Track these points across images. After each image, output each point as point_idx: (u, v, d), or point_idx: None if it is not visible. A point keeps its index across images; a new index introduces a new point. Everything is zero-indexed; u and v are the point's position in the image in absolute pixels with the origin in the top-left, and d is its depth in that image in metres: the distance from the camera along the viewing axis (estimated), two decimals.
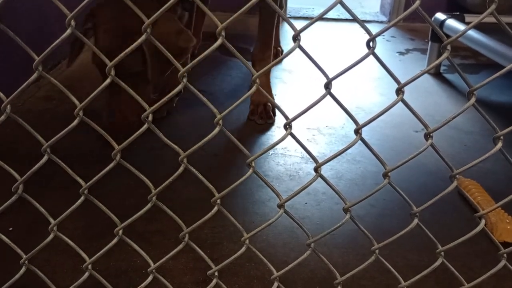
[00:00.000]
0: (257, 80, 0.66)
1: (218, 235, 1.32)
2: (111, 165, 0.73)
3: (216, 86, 2.39)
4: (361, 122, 0.69)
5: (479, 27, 2.25)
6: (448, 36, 0.68)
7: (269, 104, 2.03)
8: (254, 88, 0.66)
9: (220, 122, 0.68)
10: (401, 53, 3.05)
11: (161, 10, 0.63)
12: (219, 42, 0.63)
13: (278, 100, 2.25)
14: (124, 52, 0.66)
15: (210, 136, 0.69)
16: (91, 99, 0.67)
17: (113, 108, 1.64)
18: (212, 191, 0.75)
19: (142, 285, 0.85)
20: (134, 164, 0.74)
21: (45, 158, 0.74)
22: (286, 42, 3.09)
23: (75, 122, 0.70)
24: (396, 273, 0.83)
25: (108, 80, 0.67)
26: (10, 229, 1.31)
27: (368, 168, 1.70)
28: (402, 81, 0.66)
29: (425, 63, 2.79)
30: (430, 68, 0.70)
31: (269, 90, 2.13)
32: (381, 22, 3.83)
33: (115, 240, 0.81)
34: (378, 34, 0.62)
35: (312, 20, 0.62)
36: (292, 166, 1.69)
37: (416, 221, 0.76)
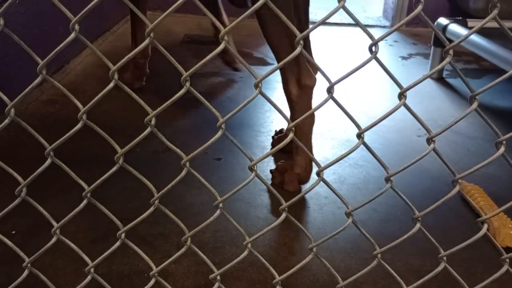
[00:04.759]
0: (260, 84, 0.66)
1: (220, 239, 1.32)
2: (114, 168, 0.73)
3: (219, 90, 2.39)
4: (363, 126, 0.69)
5: (482, 32, 2.25)
6: (450, 41, 0.68)
7: None
8: (256, 92, 0.67)
9: (223, 125, 0.68)
10: (403, 58, 3.05)
11: (167, 12, 0.63)
12: (221, 46, 0.64)
13: (280, 104, 2.25)
14: (127, 56, 0.66)
15: (212, 139, 0.69)
16: (94, 102, 0.68)
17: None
18: (214, 195, 0.75)
19: None
20: (137, 167, 0.74)
21: (48, 161, 0.74)
22: None
23: (78, 125, 0.70)
24: (399, 278, 0.83)
25: (111, 84, 0.67)
26: (13, 232, 1.31)
27: (370, 172, 1.70)
28: (405, 86, 0.66)
29: (428, 68, 2.79)
30: (432, 73, 0.70)
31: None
32: (384, 26, 3.84)
33: (117, 244, 0.81)
34: (381, 39, 0.62)
35: (314, 25, 0.62)
36: None
37: (418, 225, 0.76)
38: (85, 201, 0.77)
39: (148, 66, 2.36)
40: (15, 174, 0.77)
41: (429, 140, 0.69)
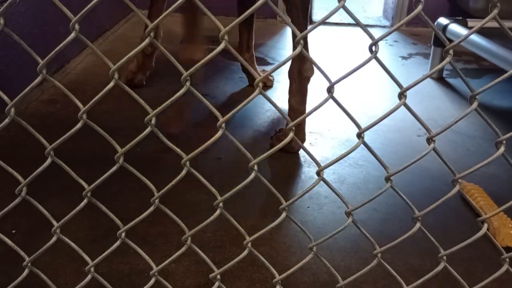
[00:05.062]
0: (260, 84, 0.66)
1: (221, 238, 1.32)
2: (114, 167, 0.73)
3: (219, 89, 2.39)
4: (364, 126, 0.69)
5: (482, 32, 2.25)
6: (450, 41, 0.68)
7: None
8: (256, 92, 0.67)
9: (223, 125, 0.68)
10: (403, 58, 3.05)
11: (165, 13, 0.63)
12: (222, 46, 0.64)
13: (280, 103, 2.25)
14: (126, 56, 0.66)
15: (213, 139, 0.69)
16: (94, 102, 0.68)
17: None
18: (214, 194, 0.75)
19: None
20: (137, 167, 0.74)
21: (48, 160, 0.74)
22: (290, 46, 3.09)
23: (79, 125, 0.70)
24: (399, 277, 0.83)
25: (111, 84, 0.67)
26: (13, 231, 1.31)
27: (370, 172, 1.70)
28: (405, 86, 0.66)
29: (428, 68, 2.79)
30: (432, 73, 0.70)
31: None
32: (384, 26, 3.84)
33: (117, 243, 0.81)
34: (381, 39, 0.62)
35: (314, 24, 0.62)
36: (295, 169, 1.69)
37: (418, 225, 0.76)
38: (85, 201, 0.77)
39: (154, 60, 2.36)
40: (15, 174, 0.77)
41: (429, 140, 0.69)
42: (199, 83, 2.38)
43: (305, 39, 1.75)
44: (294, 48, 1.80)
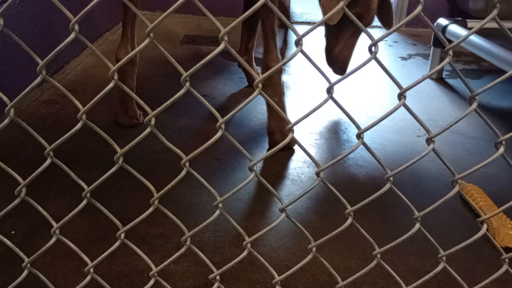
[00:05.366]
0: (260, 85, 0.66)
1: (220, 239, 1.32)
2: (114, 168, 0.73)
3: (219, 90, 2.39)
4: (363, 127, 0.69)
5: (481, 32, 2.25)
6: (450, 42, 0.68)
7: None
8: (256, 92, 0.67)
9: (223, 126, 0.68)
10: (403, 58, 3.05)
11: (167, 12, 0.63)
12: (221, 46, 0.64)
13: None
14: (126, 57, 0.66)
15: (212, 140, 0.69)
16: (94, 103, 0.68)
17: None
18: (214, 195, 0.75)
19: None
20: (137, 168, 0.74)
21: (48, 161, 0.74)
22: (289, 46, 3.10)
23: (78, 125, 0.70)
24: (398, 278, 0.83)
25: (111, 84, 0.68)
26: (13, 232, 1.31)
27: (370, 172, 1.70)
28: (404, 86, 0.66)
29: (428, 68, 2.79)
30: (432, 73, 0.70)
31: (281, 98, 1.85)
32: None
33: (117, 244, 0.81)
34: (380, 39, 0.62)
35: (314, 25, 0.62)
36: (294, 170, 1.69)
37: (418, 225, 0.76)
38: (84, 201, 0.77)
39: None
40: (15, 174, 0.77)
41: (429, 140, 0.69)
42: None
43: (273, 32, 1.80)
44: (268, 46, 1.80)
